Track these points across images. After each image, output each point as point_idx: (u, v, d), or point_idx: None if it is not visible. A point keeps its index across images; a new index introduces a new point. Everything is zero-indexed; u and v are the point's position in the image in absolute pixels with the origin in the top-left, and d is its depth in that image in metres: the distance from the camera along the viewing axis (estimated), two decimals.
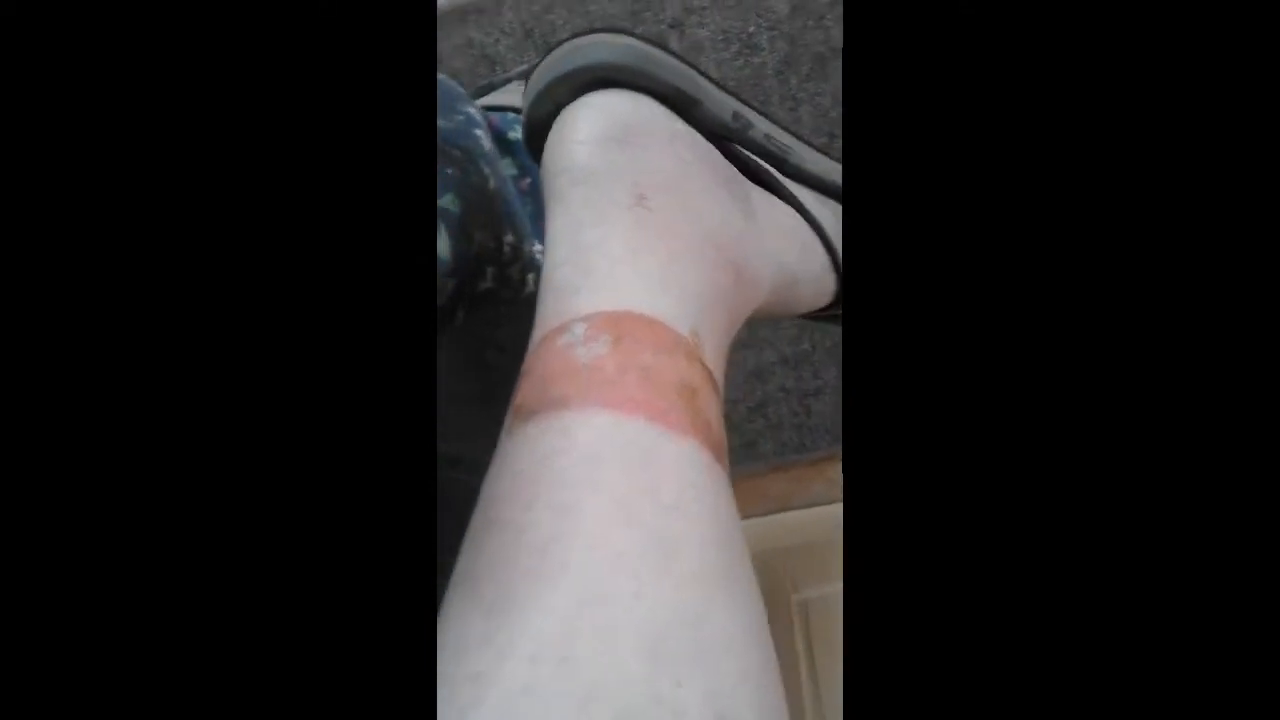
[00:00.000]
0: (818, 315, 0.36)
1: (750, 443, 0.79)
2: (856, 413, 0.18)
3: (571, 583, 0.18)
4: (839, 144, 0.69)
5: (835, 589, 0.63)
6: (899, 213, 0.18)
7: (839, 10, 0.67)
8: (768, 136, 0.32)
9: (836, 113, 0.69)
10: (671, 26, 0.67)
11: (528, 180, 0.40)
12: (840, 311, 0.35)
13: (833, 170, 0.35)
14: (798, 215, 0.32)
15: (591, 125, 0.26)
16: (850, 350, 0.18)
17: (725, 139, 0.30)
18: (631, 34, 0.27)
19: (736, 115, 0.30)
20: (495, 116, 0.40)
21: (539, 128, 0.28)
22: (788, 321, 0.76)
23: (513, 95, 0.45)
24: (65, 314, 0.17)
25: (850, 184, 0.18)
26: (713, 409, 0.22)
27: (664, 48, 0.28)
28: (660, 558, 0.18)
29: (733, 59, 0.68)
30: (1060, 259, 0.17)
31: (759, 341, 0.77)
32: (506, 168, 0.39)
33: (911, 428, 0.17)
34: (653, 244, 0.24)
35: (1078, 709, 0.16)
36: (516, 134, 0.39)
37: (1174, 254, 0.17)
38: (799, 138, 0.34)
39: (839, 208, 0.35)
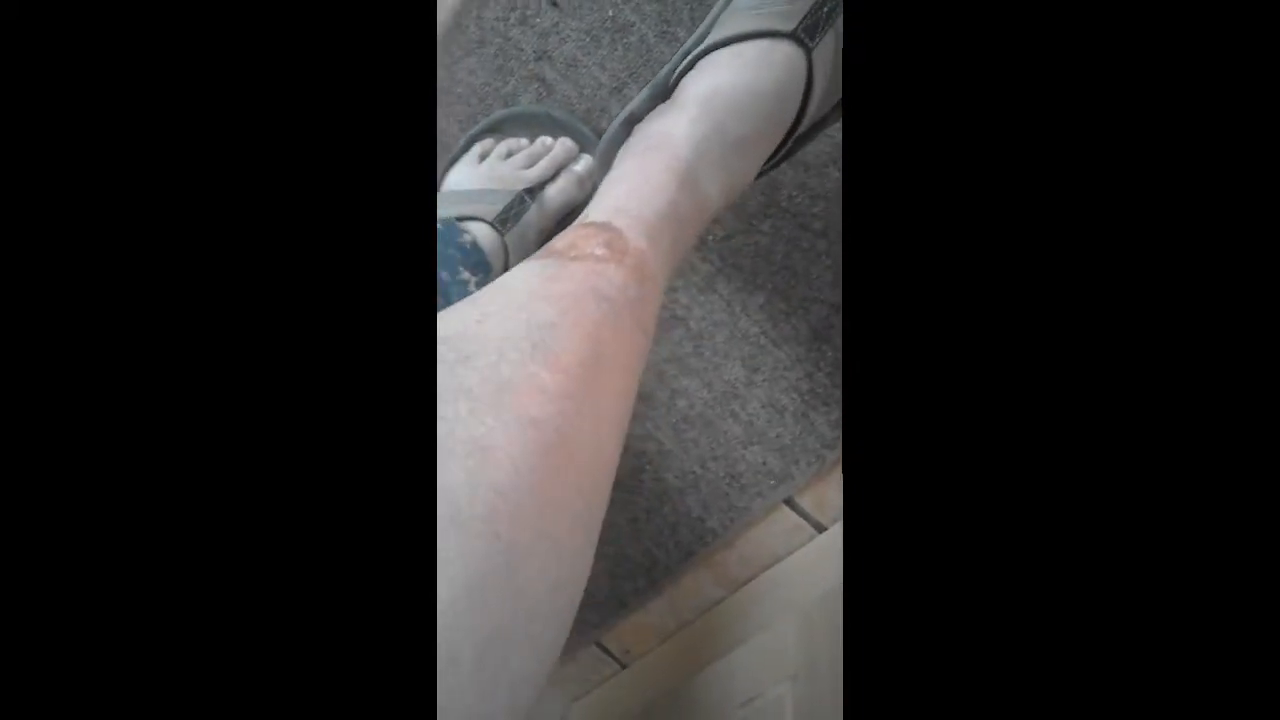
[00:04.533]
0: (805, 132, 0.45)
1: (698, 536, 0.63)
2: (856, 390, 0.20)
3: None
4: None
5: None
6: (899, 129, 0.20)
7: None
8: (651, 83, 0.45)
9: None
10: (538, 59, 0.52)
11: (476, 279, 0.55)
12: (803, 130, 0.45)
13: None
14: (678, 69, 0.44)
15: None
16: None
17: (637, 120, 0.45)
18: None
19: (631, 114, 0.45)
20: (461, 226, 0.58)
21: (604, 160, 0.47)
22: (662, 399, 0.61)
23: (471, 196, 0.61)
24: (61, 318, 0.19)
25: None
26: (609, 242, 0.36)
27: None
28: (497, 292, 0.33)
29: (611, 48, 0.56)
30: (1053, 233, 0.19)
31: (637, 438, 0.62)
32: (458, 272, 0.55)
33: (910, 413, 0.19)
34: (609, 190, 0.41)
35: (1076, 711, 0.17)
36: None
37: (1172, 233, 0.18)
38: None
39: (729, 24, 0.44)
